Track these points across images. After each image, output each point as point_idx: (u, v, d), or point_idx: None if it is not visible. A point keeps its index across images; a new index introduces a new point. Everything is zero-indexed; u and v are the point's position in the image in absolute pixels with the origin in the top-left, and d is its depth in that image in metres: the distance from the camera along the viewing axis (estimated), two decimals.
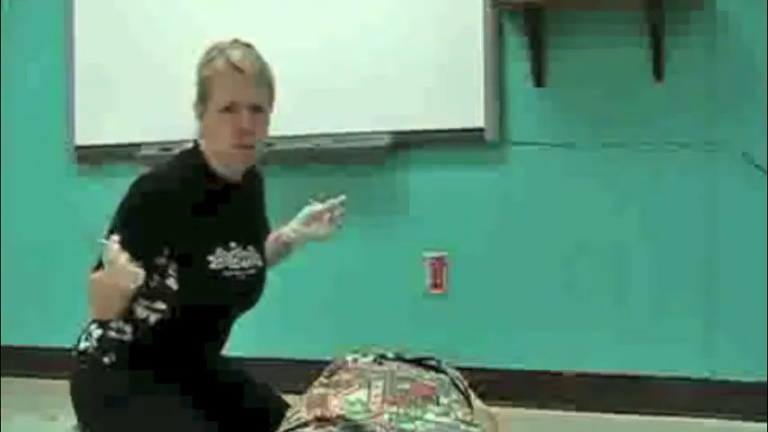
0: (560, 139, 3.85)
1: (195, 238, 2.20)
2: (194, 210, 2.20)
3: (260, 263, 2.35)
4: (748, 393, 3.54)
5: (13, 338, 4.61)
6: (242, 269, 2.28)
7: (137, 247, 2.04)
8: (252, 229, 2.37)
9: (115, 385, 2.21)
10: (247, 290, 2.31)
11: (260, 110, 2.24)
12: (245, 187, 2.32)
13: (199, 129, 2.28)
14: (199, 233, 2.20)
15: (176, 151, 2.34)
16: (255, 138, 2.24)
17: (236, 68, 2.20)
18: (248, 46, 2.27)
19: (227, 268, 2.24)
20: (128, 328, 2.23)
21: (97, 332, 2.26)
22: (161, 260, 2.19)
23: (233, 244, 2.26)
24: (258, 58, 2.25)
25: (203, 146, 2.27)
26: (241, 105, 2.20)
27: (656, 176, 3.73)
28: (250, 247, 2.32)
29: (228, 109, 2.20)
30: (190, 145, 2.31)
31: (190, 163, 2.26)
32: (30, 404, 3.97)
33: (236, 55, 2.21)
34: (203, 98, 2.22)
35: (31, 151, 4.71)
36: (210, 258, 2.21)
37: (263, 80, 2.24)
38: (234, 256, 2.26)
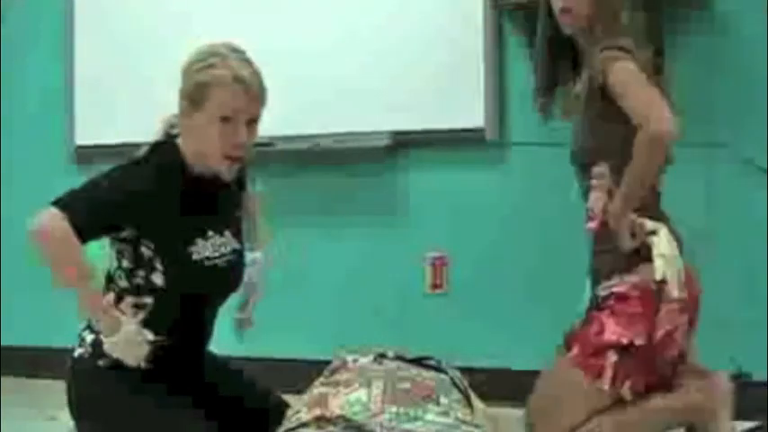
0: (560, 139, 3.84)
1: (175, 231, 2.22)
2: (171, 204, 2.21)
3: (237, 246, 2.37)
4: (748, 393, 3.54)
5: (13, 338, 4.61)
6: (221, 255, 2.30)
7: (105, 222, 2.17)
8: (227, 215, 2.39)
9: (113, 387, 2.21)
10: (228, 275, 2.34)
11: (254, 121, 2.25)
12: (218, 177, 2.32)
13: (180, 125, 2.28)
14: (179, 227, 2.22)
15: (147, 146, 2.34)
16: (246, 150, 2.25)
17: (240, 81, 2.20)
18: (242, 52, 2.27)
19: (207, 258, 2.26)
20: None
21: (90, 337, 2.27)
22: (146, 255, 2.20)
23: (210, 232, 2.29)
24: (255, 67, 2.26)
25: (181, 140, 2.27)
26: (240, 118, 2.21)
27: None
28: (226, 233, 2.34)
29: (226, 119, 2.20)
30: (161, 136, 2.31)
31: (166, 159, 2.26)
32: (30, 404, 3.97)
33: (237, 66, 2.21)
34: (197, 102, 2.21)
35: (31, 151, 4.71)
36: (191, 250, 2.23)
37: (261, 93, 2.25)
38: (212, 245, 2.28)
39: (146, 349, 2.18)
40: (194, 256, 2.24)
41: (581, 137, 2.59)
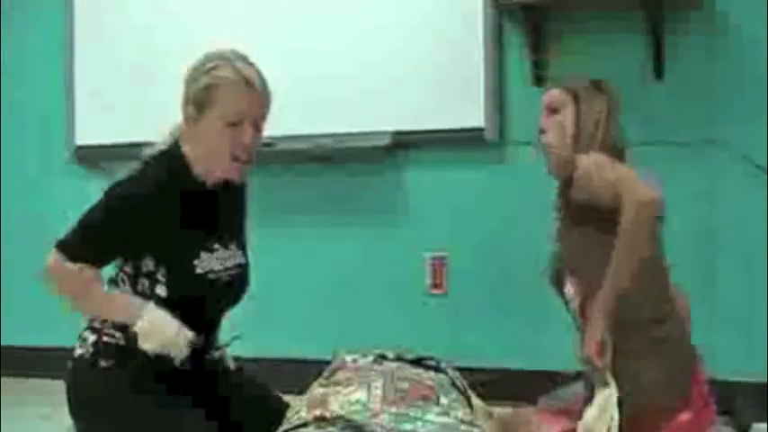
0: None
1: (179, 243, 2.20)
2: (175, 216, 2.19)
3: (242, 260, 2.35)
4: (748, 393, 3.54)
5: (13, 338, 4.61)
6: (225, 269, 2.28)
7: (104, 246, 2.17)
8: (233, 228, 2.37)
9: (113, 387, 2.21)
10: (231, 289, 2.33)
11: (260, 124, 2.24)
12: (224, 187, 2.30)
13: (185, 132, 2.26)
14: (182, 239, 2.20)
15: (153, 152, 2.32)
16: (252, 153, 2.24)
17: (248, 83, 2.19)
18: (245, 57, 2.26)
19: (211, 271, 2.24)
20: (118, 334, 2.23)
21: (92, 338, 2.26)
22: (149, 266, 2.19)
23: (216, 245, 2.27)
24: (259, 71, 2.25)
25: (186, 149, 2.25)
26: (247, 121, 2.20)
27: (656, 176, 3.73)
28: (232, 246, 2.32)
29: (233, 122, 2.19)
30: (165, 146, 2.29)
31: (169, 167, 2.24)
32: (30, 404, 3.97)
33: (244, 69, 2.21)
34: (203, 105, 2.20)
35: (31, 151, 4.71)
36: (195, 263, 2.21)
37: (267, 95, 2.24)
38: (217, 258, 2.26)
39: (182, 344, 2.15)
40: (198, 270, 2.22)
41: (562, 256, 2.47)
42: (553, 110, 2.50)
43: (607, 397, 2.21)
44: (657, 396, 2.24)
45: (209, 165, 2.23)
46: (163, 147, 2.29)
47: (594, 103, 2.48)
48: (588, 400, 2.31)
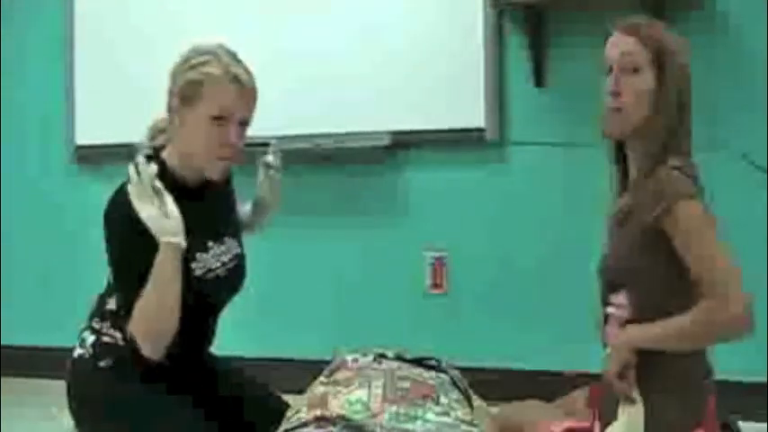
0: (560, 139, 3.84)
1: None
2: None
3: (238, 250, 2.34)
4: (748, 393, 3.54)
5: (13, 338, 4.61)
6: (222, 264, 2.28)
7: (141, 263, 2.09)
8: (225, 220, 2.36)
9: (113, 387, 2.21)
10: (230, 282, 2.32)
11: (246, 123, 2.22)
12: (210, 181, 2.27)
13: (169, 126, 2.23)
14: None
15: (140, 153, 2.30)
16: (238, 151, 2.21)
17: (235, 80, 2.16)
18: (234, 53, 2.24)
19: (209, 270, 2.23)
20: (118, 335, 2.22)
21: (91, 338, 2.26)
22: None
23: (210, 243, 2.25)
24: (247, 68, 2.22)
25: (167, 151, 2.23)
26: (233, 118, 2.16)
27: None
28: (226, 239, 2.31)
29: (218, 118, 2.16)
30: (147, 150, 2.27)
31: None
32: (30, 404, 3.97)
33: (232, 64, 2.18)
34: (189, 100, 2.17)
35: (31, 151, 4.71)
36: (193, 266, 2.20)
37: (255, 94, 2.22)
38: (213, 255, 2.25)
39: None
40: (197, 272, 2.20)
41: (616, 254, 2.24)
42: (627, 68, 2.16)
43: (634, 415, 2.10)
44: (677, 426, 2.10)
45: (193, 163, 2.21)
46: (145, 149, 2.27)
47: (679, 67, 2.11)
48: (591, 402, 2.29)
